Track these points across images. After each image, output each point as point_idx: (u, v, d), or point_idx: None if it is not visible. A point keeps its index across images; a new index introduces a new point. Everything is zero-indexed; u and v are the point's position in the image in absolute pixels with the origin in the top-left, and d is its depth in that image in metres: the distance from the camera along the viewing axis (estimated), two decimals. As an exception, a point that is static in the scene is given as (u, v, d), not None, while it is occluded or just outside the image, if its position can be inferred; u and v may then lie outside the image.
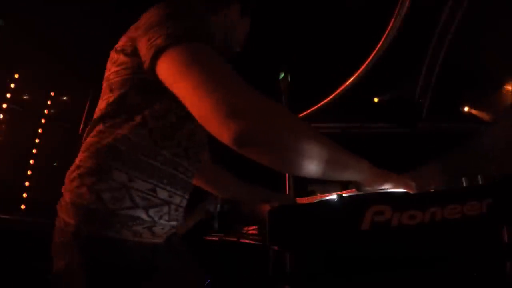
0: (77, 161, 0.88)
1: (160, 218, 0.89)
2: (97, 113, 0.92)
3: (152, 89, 0.84)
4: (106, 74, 0.95)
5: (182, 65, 0.74)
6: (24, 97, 3.47)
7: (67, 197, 0.85)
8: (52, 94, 3.67)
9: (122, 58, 0.90)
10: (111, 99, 0.90)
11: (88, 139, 0.90)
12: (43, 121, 3.57)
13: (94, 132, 0.90)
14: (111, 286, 0.79)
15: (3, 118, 3.24)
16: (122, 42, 0.93)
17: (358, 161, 0.82)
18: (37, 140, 3.49)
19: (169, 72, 0.77)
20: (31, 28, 3.22)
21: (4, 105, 3.26)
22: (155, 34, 0.79)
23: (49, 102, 3.65)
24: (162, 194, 0.88)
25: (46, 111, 3.60)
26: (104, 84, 0.95)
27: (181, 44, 0.76)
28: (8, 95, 3.30)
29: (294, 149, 0.72)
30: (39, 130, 3.52)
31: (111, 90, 0.91)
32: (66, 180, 0.87)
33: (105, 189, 0.81)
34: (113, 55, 0.95)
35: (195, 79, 0.72)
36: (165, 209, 0.90)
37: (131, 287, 0.81)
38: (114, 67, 0.92)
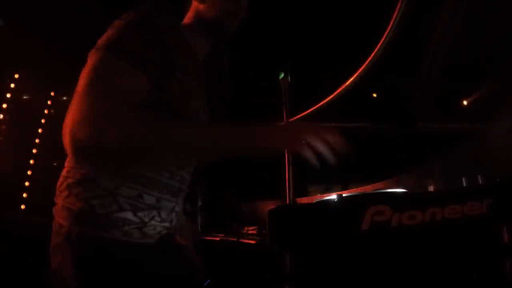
0: (64, 172, 0.90)
1: (151, 219, 0.90)
2: None
3: None
4: None
5: (86, 68, 0.83)
6: (24, 97, 3.47)
7: (59, 204, 0.88)
8: (52, 94, 3.67)
9: None
10: None
11: None
12: (43, 121, 3.57)
13: None
14: (101, 284, 0.81)
15: (3, 118, 3.24)
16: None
17: (225, 132, 0.82)
18: (37, 140, 3.49)
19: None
20: (31, 28, 3.22)
21: (4, 105, 3.27)
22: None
23: (49, 102, 3.65)
24: (149, 200, 0.90)
25: (46, 111, 3.60)
26: None
27: (103, 51, 0.83)
28: (8, 95, 3.30)
29: (141, 144, 0.79)
30: (39, 130, 3.52)
31: None
32: (57, 191, 0.90)
33: (92, 196, 0.84)
34: None
35: (82, 85, 0.81)
36: (154, 212, 0.91)
37: (120, 285, 0.82)
38: None
